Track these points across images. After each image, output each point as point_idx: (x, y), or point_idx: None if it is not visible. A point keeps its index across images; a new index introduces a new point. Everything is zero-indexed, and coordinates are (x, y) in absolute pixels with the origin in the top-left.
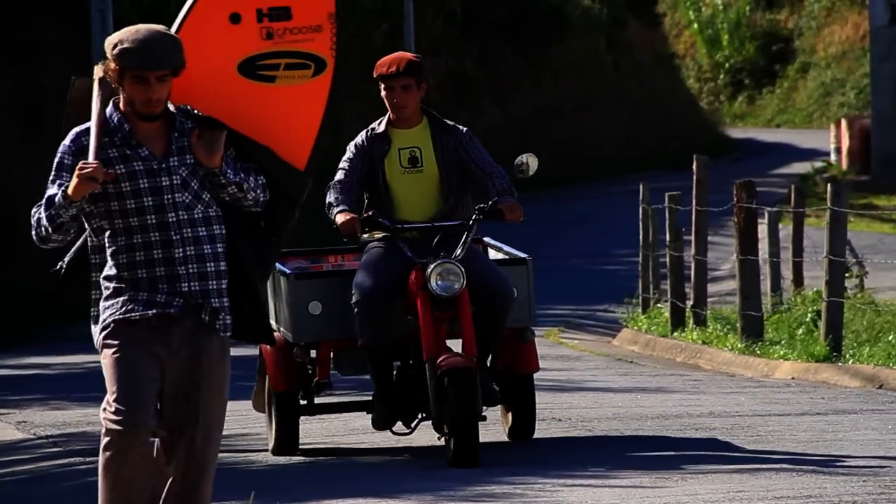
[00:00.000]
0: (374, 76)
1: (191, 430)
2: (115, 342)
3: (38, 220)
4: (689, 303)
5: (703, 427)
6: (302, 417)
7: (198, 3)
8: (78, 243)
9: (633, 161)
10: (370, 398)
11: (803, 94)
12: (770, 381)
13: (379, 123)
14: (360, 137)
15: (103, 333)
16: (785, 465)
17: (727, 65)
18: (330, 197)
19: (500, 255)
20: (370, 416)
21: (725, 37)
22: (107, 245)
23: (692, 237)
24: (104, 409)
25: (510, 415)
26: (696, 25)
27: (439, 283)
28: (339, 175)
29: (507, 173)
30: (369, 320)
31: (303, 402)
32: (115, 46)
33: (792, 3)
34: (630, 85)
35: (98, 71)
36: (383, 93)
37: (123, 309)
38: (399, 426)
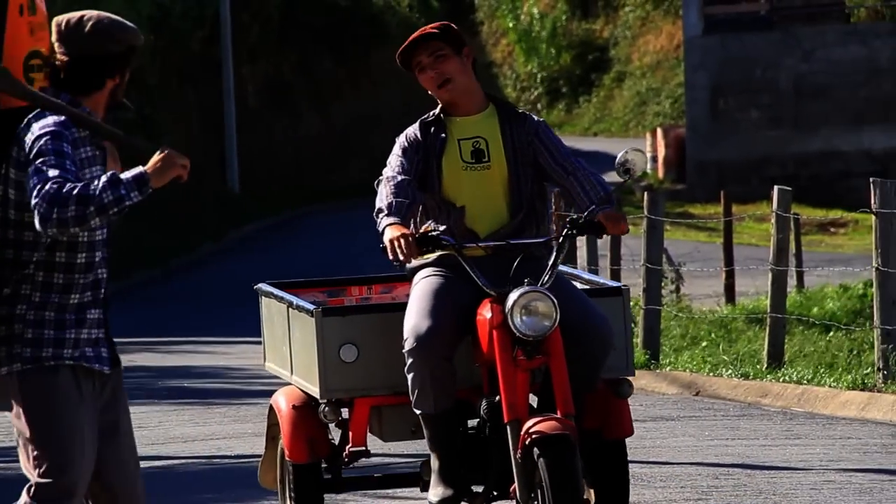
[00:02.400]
0: (399, 62)
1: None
2: (58, 394)
3: (83, 197)
4: None
5: None
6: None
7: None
8: None
9: None
10: (418, 469)
11: (619, 102)
12: None
13: (432, 112)
14: (412, 128)
15: (41, 372)
16: None
17: (544, 73)
18: (380, 199)
19: (578, 284)
20: (424, 492)
21: (543, 46)
22: (59, 261)
23: None
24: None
25: (592, 491)
26: (513, 34)
27: (525, 318)
28: (390, 170)
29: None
30: (429, 374)
31: (327, 476)
32: (125, 31)
33: (607, 13)
34: None
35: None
36: (421, 80)
37: (72, 352)
38: None
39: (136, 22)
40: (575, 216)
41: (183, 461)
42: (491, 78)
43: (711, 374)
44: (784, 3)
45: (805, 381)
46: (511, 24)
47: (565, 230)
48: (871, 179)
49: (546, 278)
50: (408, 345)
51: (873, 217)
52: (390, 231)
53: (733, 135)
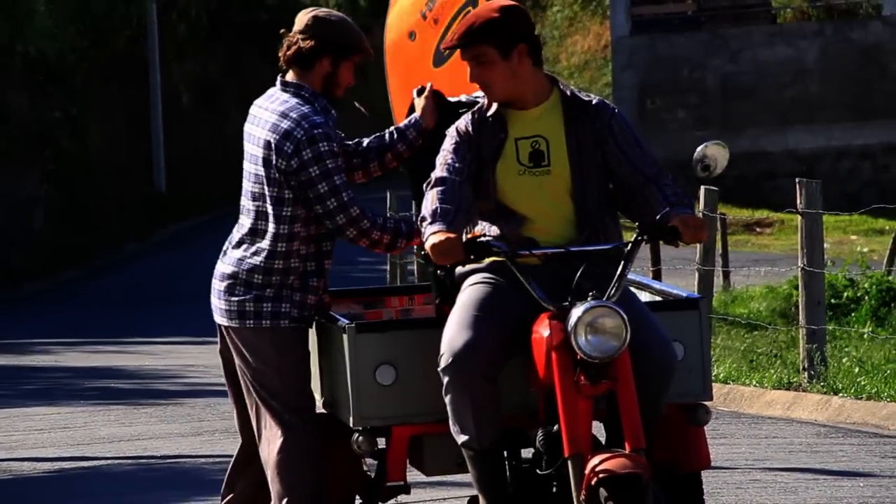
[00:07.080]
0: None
1: None
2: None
3: None
4: None
5: None
6: None
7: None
8: None
9: None
10: None
11: None
12: None
13: (483, 100)
14: (464, 121)
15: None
16: None
17: None
18: (424, 205)
19: (646, 295)
20: None
21: None
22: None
23: None
24: None
25: None
26: None
27: (590, 338)
28: (438, 168)
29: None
30: (468, 397)
31: None
32: None
33: (535, 13)
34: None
35: None
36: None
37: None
38: None
39: (62, 20)
40: (647, 221)
41: (109, 462)
42: None
43: None
44: (711, 3)
45: (730, 381)
46: None
47: (635, 236)
48: (796, 180)
49: (613, 291)
50: (442, 362)
51: (799, 217)
52: (434, 237)
53: (661, 134)
